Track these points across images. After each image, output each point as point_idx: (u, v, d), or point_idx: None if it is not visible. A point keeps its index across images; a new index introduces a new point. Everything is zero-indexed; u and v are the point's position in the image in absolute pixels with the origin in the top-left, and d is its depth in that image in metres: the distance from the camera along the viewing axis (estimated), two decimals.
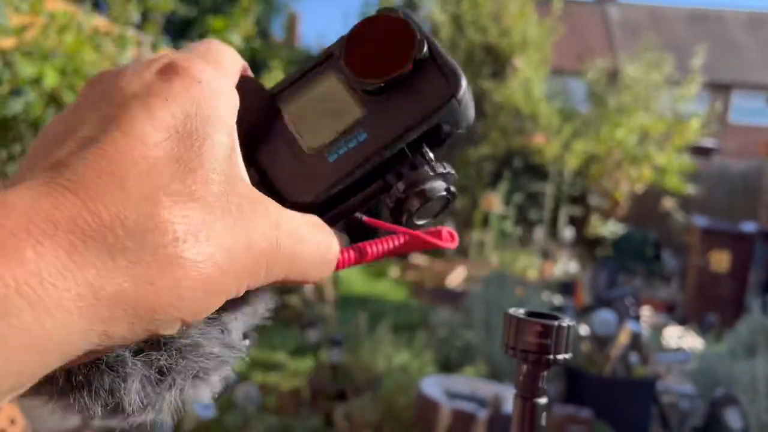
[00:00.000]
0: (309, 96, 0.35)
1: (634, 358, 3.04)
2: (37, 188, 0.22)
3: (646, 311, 4.47)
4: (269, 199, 0.29)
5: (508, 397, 2.42)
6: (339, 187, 0.34)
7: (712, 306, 4.94)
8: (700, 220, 5.67)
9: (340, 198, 0.34)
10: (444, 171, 0.35)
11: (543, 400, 0.45)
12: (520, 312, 0.43)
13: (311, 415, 2.86)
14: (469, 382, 2.71)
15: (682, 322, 4.69)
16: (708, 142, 8.15)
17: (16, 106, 2.21)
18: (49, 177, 0.23)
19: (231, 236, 0.25)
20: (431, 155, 0.35)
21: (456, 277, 5.73)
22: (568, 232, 6.34)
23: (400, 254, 0.38)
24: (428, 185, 0.35)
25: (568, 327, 0.43)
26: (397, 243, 0.37)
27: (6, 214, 0.21)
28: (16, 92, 2.24)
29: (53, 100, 2.29)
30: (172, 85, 0.26)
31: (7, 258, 0.20)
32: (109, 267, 0.22)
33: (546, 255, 5.97)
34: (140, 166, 0.23)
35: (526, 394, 0.45)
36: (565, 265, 5.75)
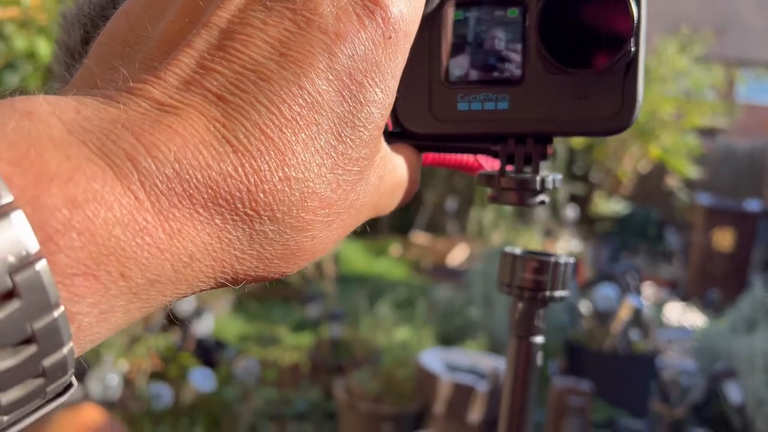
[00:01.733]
0: (482, 25, 0.30)
1: (635, 333, 3.03)
2: (189, 119, 0.19)
3: (648, 288, 4.46)
4: (387, 150, 0.27)
5: None
6: (451, 138, 0.32)
7: (714, 284, 4.93)
8: (703, 198, 5.64)
9: (443, 140, 0.32)
10: (548, 187, 0.33)
11: (539, 339, 0.43)
12: (517, 250, 0.41)
13: (311, 388, 2.86)
14: (468, 355, 2.71)
15: (684, 299, 4.69)
16: (713, 122, 8.10)
17: (11, 80, 2.18)
18: (200, 103, 0.19)
19: (354, 215, 0.24)
20: (547, 155, 0.33)
21: (457, 255, 5.72)
22: (570, 211, 6.32)
23: (461, 169, 0.37)
24: (530, 199, 0.34)
25: (566, 263, 0.40)
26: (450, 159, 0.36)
27: (164, 157, 0.18)
28: (10, 66, 2.21)
29: (51, 73, 2.26)
30: (365, 23, 0.21)
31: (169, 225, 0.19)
32: (245, 253, 0.20)
33: (548, 233, 5.96)
34: (308, 130, 0.20)
35: (522, 332, 0.43)
36: (568, 243, 5.74)
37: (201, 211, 0.19)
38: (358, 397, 2.55)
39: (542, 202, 0.35)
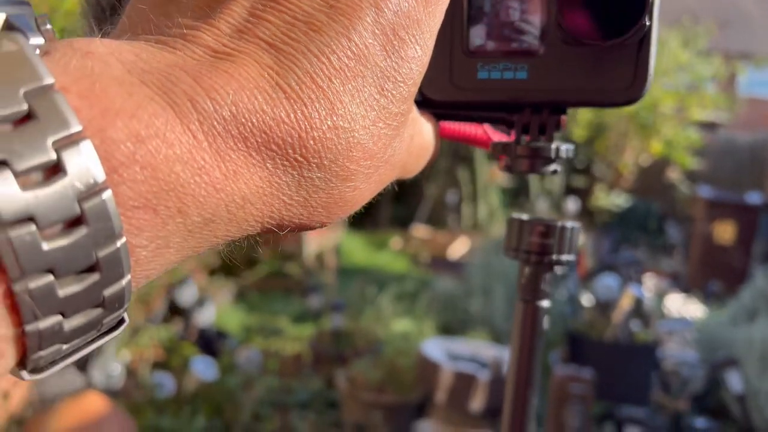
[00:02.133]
0: None
1: (636, 324, 3.04)
2: (243, 65, 0.20)
3: (649, 279, 4.46)
4: (416, 112, 0.28)
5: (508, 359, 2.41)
6: (470, 106, 0.33)
7: (715, 276, 4.93)
8: (704, 191, 5.63)
9: (462, 108, 0.33)
10: (562, 156, 0.34)
11: (545, 303, 0.43)
12: (524, 215, 0.42)
13: (313, 377, 2.87)
14: (470, 344, 2.72)
15: (685, 291, 4.69)
16: (714, 115, 8.08)
17: None
18: (253, 50, 0.20)
19: (389, 170, 0.25)
20: (562, 125, 0.34)
21: (458, 248, 5.72)
22: (571, 203, 6.32)
23: (468, 141, 0.38)
24: (543, 167, 0.35)
25: (572, 228, 0.41)
26: (463, 130, 0.37)
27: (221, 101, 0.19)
28: None
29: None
30: None
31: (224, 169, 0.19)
32: (293, 199, 0.21)
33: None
34: (355, 81, 0.21)
35: (528, 296, 0.43)
36: None
37: (254, 154, 0.19)
38: (359, 387, 2.56)
39: (555, 171, 0.36)
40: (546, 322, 0.43)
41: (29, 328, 0.16)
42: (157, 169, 0.17)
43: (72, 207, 0.16)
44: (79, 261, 0.16)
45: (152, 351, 2.74)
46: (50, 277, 0.16)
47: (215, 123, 0.18)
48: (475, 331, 3.19)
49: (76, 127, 0.16)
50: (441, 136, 0.35)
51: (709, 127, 7.78)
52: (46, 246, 0.15)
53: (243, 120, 0.19)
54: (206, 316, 3.27)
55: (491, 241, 4.31)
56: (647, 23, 0.30)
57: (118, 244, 0.17)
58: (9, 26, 0.17)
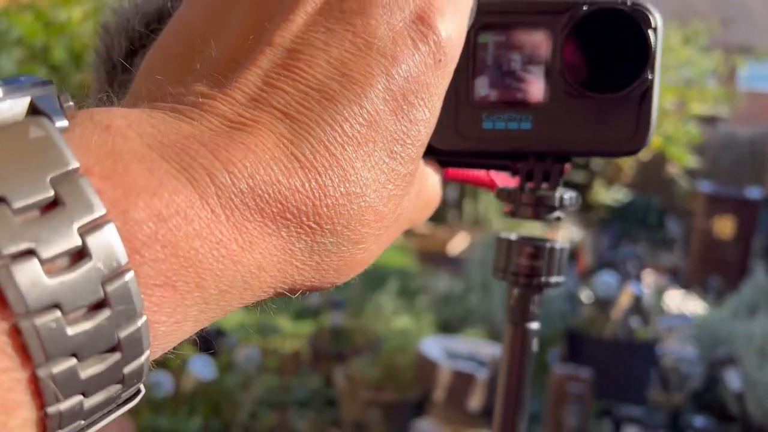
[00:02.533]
0: (507, 48, 0.32)
1: (635, 321, 3.04)
2: (260, 135, 0.20)
3: (648, 275, 4.46)
4: (423, 166, 0.29)
5: None
6: (475, 154, 0.33)
7: (715, 271, 4.93)
8: (704, 186, 5.63)
9: (467, 156, 0.34)
10: (566, 204, 0.35)
11: (534, 326, 0.43)
12: (512, 235, 0.41)
13: (312, 375, 2.87)
14: (468, 342, 2.72)
15: (685, 286, 4.69)
16: (714, 110, 8.06)
17: (5, 64, 2.17)
18: (269, 120, 0.20)
19: (398, 228, 0.25)
20: (565, 173, 0.35)
21: (458, 244, 5.73)
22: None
23: (474, 184, 0.40)
24: (546, 215, 0.35)
25: (561, 249, 0.40)
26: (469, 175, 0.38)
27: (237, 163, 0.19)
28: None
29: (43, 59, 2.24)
30: (419, 47, 0.23)
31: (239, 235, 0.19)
32: (305, 264, 0.21)
33: (549, 222, 5.95)
34: (366, 147, 0.22)
35: (517, 318, 0.42)
36: (568, 231, 5.74)
37: (270, 224, 0.20)
38: (358, 385, 2.56)
39: (558, 218, 0.37)
40: (535, 345, 0.43)
41: (51, 410, 0.16)
42: (178, 247, 0.18)
43: (96, 291, 0.16)
44: (101, 343, 0.17)
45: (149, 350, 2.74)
46: (73, 361, 0.16)
47: (233, 196, 0.19)
48: (474, 328, 3.19)
49: (100, 211, 0.16)
50: (446, 179, 0.36)
51: (709, 121, 7.77)
52: (70, 331, 0.16)
53: (260, 192, 0.19)
54: None
55: (490, 237, 4.31)
56: (650, 77, 0.30)
57: (139, 323, 0.17)
58: (34, 109, 0.18)
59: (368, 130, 0.21)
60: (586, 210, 6.84)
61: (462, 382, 2.34)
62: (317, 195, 0.20)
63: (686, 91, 7.00)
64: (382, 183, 0.22)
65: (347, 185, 0.21)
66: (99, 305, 0.16)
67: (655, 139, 6.86)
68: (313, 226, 0.21)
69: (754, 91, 8.97)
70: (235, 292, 0.20)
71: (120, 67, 0.28)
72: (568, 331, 3.10)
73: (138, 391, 0.20)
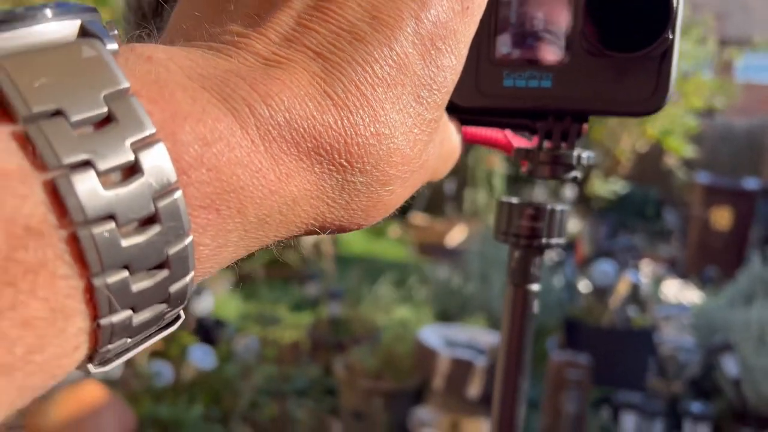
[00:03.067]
0: (530, 5, 0.33)
1: (633, 309, 3.05)
2: (294, 73, 0.20)
3: (646, 265, 4.47)
4: (446, 117, 0.29)
5: None
6: (494, 112, 0.34)
7: (712, 261, 4.94)
8: (702, 177, 5.63)
9: (487, 114, 0.34)
10: (583, 163, 0.35)
11: (535, 287, 0.43)
12: (513, 199, 0.42)
13: (311, 365, 2.88)
14: (467, 331, 2.72)
15: (682, 276, 4.70)
16: (711, 102, 8.06)
17: None
18: (302, 59, 0.21)
19: (422, 175, 0.26)
20: (583, 133, 0.35)
21: (456, 236, 5.73)
22: (568, 190, 6.32)
23: (489, 144, 0.39)
24: (564, 174, 0.36)
25: (562, 211, 0.41)
26: (484, 134, 0.38)
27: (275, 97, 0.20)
28: None
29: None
30: None
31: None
32: (336, 202, 0.22)
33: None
34: (395, 89, 0.22)
35: (518, 280, 0.43)
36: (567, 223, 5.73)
37: (304, 158, 0.20)
38: (357, 374, 2.57)
39: (575, 178, 0.37)
40: (536, 306, 0.43)
41: (104, 321, 0.17)
42: (221, 171, 0.18)
43: (148, 206, 0.17)
44: (152, 258, 0.17)
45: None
46: (126, 273, 0.17)
47: (270, 128, 0.19)
48: (472, 318, 3.20)
49: (151, 130, 0.17)
50: (464, 140, 0.36)
51: (706, 113, 7.76)
52: (124, 243, 0.16)
53: (296, 125, 0.20)
54: (204, 305, 3.27)
55: (489, 228, 4.31)
56: (670, 36, 0.30)
57: (186, 242, 0.18)
58: (85, 32, 0.18)
59: (397, 73, 0.22)
60: (584, 201, 6.85)
61: (461, 369, 2.35)
62: (349, 133, 0.21)
63: (683, 84, 7.00)
64: (409, 126, 0.23)
65: (377, 125, 0.21)
66: (150, 220, 0.17)
67: (652, 131, 6.89)
68: (344, 164, 0.21)
69: (752, 83, 8.97)
70: (272, 223, 0.21)
71: (150, 15, 0.29)
72: (566, 319, 3.11)
73: (178, 316, 0.20)
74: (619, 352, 2.85)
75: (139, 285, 0.17)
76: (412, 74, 0.22)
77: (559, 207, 0.40)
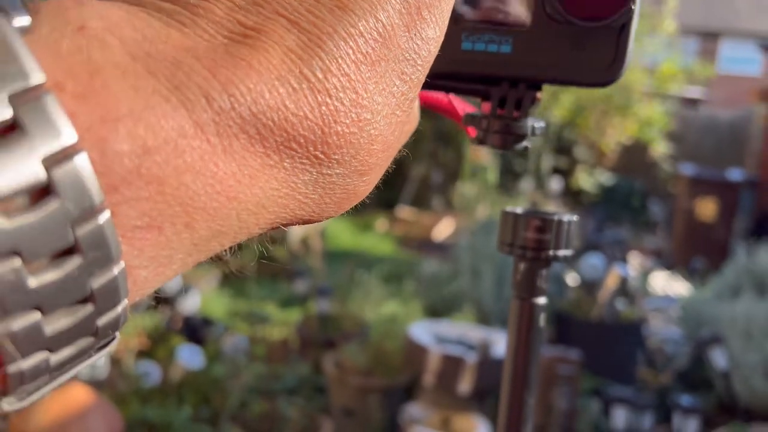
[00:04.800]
0: None
1: (621, 302, 3.06)
2: (264, 50, 0.17)
3: (633, 257, 4.50)
4: None
5: (496, 341, 2.42)
6: (450, 76, 0.32)
7: (698, 252, 4.98)
8: (686, 169, 5.68)
9: (442, 78, 0.32)
10: (536, 131, 0.34)
11: (542, 300, 0.42)
12: (518, 209, 0.40)
13: (300, 363, 2.86)
14: (457, 327, 2.72)
15: (669, 267, 4.74)
16: (695, 93, 8.12)
17: None
18: (273, 29, 0.17)
19: (392, 157, 0.23)
20: (537, 101, 0.34)
21: (443, 230, 5.73)
22: (555, 183, 6.34)
23: (433, 108, 0.38)
24: (515, 143, 0.34)
25: (569, 222, 0.39)
26: (436, 99, 0.36)
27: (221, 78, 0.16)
28: None
29: None
30: None
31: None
32: (308, 198, 0.19)
33: (533, 205, 5.98)
34: (379, 66, 0.19)
35: (524, 294, 0.41)
36: None
37: (272, 155, 0.17)
38: (347, 371, 2.55)
39: (525, 148, 0.36)
40: (543, 320, 0.42)
41: (11, 369, 0.14)
42: (165, 183, 0.15)
43: (64, 235, 0.14)
44: (70, 294, 0.14)
45: (137, 340, 2.71)
46: (37, 315, 0.14)
47: (232, 123, 0.16)
48: (462, 313, 3.20)
49: (70, 138, 0.13)
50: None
51: (690, 103, 7.81)
52: (33, 282, 0.14)
53: (263, 119, 0.17)
54: (191, 304, 3.24)
55: (478, 222, 4.31)
56: (633, 7, 0.30)
57: (116, 271, 0.15)
58: None
59: (382, 48, 0.19)
60: (571, 194, 6.88)
61: (451, 366, 2.34)
62: (327, 121, 0.18)
63: (653, 72, 7.01)
64: (392, 109, 0.20)
65: (359, 110, 0.19)
66: (68, 252, 0.14)
67: (630, 127, 6.90)
68: (320, 156, 0.18)
69: (735, 75, 9.04)
70: (228, 232, 0.18)
71: None
72: (555, 313, 3.12)
73: (113, 338, 0.18)
74: (608, 345, 2.86)
75: (55, 326, 0.14)
76: (397, 48, 0.19)
77: (566, 218, 0.39)
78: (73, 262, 0.14)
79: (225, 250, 0.19)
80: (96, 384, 2.30)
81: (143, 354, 2.68)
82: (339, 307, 3.24)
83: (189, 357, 2.64)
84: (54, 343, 0.15)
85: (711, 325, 2.94)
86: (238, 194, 0.17)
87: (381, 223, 6.30)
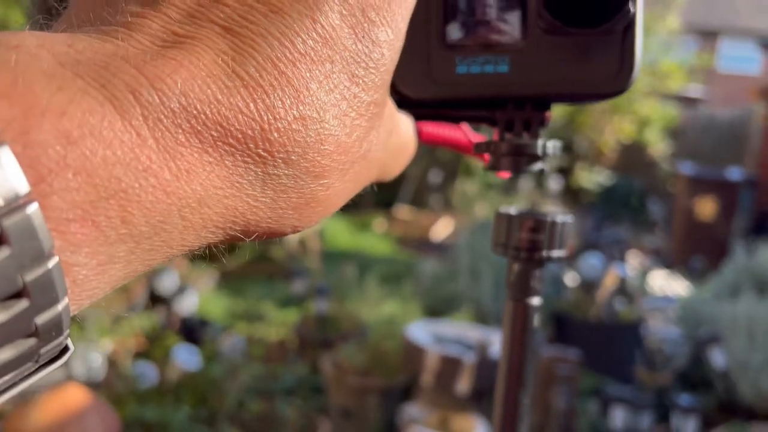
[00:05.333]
0: None
1: (620, 302, 3.05)
2: (194, 51, 0.17)
3: (632, 257, 4.49)
4: (393, 107, 0.26)
5: (494, 341, 2.42)
6: (449, 102, 0.31)
7: (697, 251, 4.98)
8: (685, 168, 5.67)
9: (441, 105, 0.31)
10: (549, 153, 0.32)
11: (536, 301, 0.41)
12: (512, 210, 0.40)
13: (298, 363, 2.85)
14: (455, 326, 2.71)
15: (668, 266, 4.73)
16: (694, 92, 8.12)
17: None
18: (206, 35, 0.18)
19: (366, 168, 0.23)
20: (546, 121, 0.32)
21: (441, 229, 5.72)
22: (554, 182, 6.33)
23: (444, 145, 0.36)
24: (528, 166, 0.33)
25: (563, 222, 0.39)
26: (445, 133, 0.35)
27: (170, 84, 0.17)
28: None
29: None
30: None
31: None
32: (258, 201, 0.19)
33: (532, 205, 5.98)
34: (322, 66, 0.19)
35: (518, 295, 0.41)
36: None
37: (210, 150, 0.17)
38: (345, 371, 2.55)
39: (542, 171, 0.35)
40: (537, 321, 0.41)
41: None
42: (94, 174, 0.15)
43: None
44: (1, 287, 0.14)
45: (134, 341, 2.70)
46: None
47: (162, 116, 0.16)
48: (461, 313, 3.19)
49: None
50: (421, 139, 0.34)
51: (689, 102, 7.81)
52: None
53: (195, 112, 0.17)
54: (188, 304, 3.24)
55: (476, 222, 4.30)
56: (632, 10, 0.28)
57: (50, 264, 0.15)
58: None
59: (324, 48, 0.19)
60: (569, 193, 6.88)
61: (449, 366, 2.34)
62: (265, 118, 0.18)
63: (653, 70, 7.01)
64: (344, 110, 0.20)
65: (301, 108, 0.18)
66: None
67: (627, 127, 6.90)
68: (263, 154, 0.18)
69: (734, 74, 9.04)
70: (172, 230, 0.17)
71: (54, 11, 0.25)
72: (554, 313, 3.11)
73: (66, 348, 0.17)
74: (607, 345, 2.86)
75: None
76: (343, 49, 0.19)
77: (560, 218, 0.38)
78: (2, 253, 0.14)
79: (176, 254, 0.19)
80: (92, 385, 2.30)
81: (140, 355, 2.67)
82: (337, 308, 3.23)
83: (186, 357, 2.64)
84: None
85: (710, 325, 2.94)
86: (176, 189, 0.17)
87: (379, 222, 6.30)
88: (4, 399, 0.16)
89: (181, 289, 3.24)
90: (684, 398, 2.49)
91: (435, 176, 6.42)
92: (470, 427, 2.26)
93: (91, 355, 2.44)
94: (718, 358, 2.66)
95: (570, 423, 2.19)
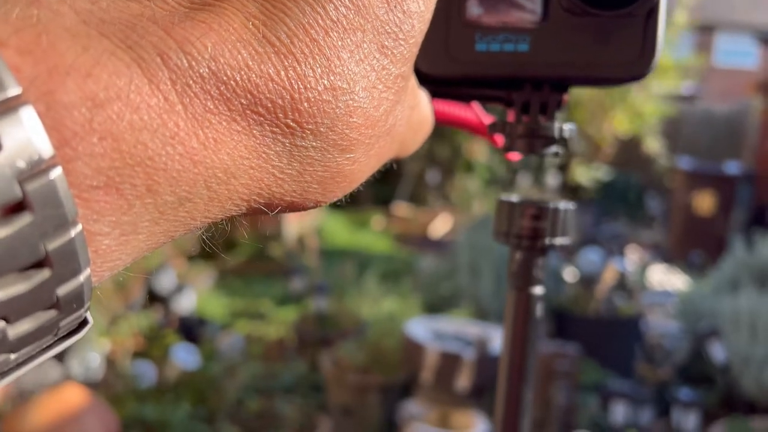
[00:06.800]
0: None
1: (619, 297, 3.05)
2: (224, 15, 0.17)
3: (631, 252, 4.49)
4: (415, 82, 0.26)
5: (494, 337, 2.41)
6: (467, 80, 0.30)
7: (696, 246, 4.98)
8: (683, 162, 5.67)
9: (459, 83, 0.31)
10: (565, 136, 0.32)
11: (539, 290, 0.40)
12: (514, 197, 0.39)
13: (297, 361, 2.85)
14: (455, 323, 2.70)
15: (667, 261, 4.73)
16: (689, 90, 8.11)
17: None
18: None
19: (389, 144, 0.22)
20: (563, 104, 0.32)
21: (440, 226, 5.72)
22: (552, 178, 6.33)
23: (456, 125, 0.36)
24: (544, 148, 0.32)
25: (566, 209, 0.38)
26: (456, 112, 0.35)
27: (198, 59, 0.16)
28: None
29: None
30: None
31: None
32: (284, 173, 0.18)
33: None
34: (354, 35, 0.18)
35: (520, 283, 0.40)
36: None
37: (239, 119, 0.17)
38: (345, 369, 2.54)
39: (556, 153, 0.34)
40: (540, 310, 0.40)
41: None
42: (121, 140, 0.14)
43: (11, 190, 0.13)
44: (22, 256, 0.13)
45: (132, 340, 2.69)
46: None
47: (191, 82, 0.16)
48: (460, 310, 3.19)
49: (13, 90, 0.13)
50: (435, 119, 0.33)
51: (684, 100, 7.81)
52: None
53: (224, 78, 0.16)
54: (186, 303, 3.23)
55: (476, 218, 4.30)
56: None
57: (73, 233, 0.14)
58: None
59: (356, 16, 0.18)
60: (568, 189, 6.87)
61: (449, 362, 2.33)
62: (295, 86, 0.17)
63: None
64: (372, 82, 0.19)
65: (332, 78, 0.18)
66: (17, 208, 0.13)
67: (621, 123, 6.88)
68: (292, 125, 0.18)
69: (731, 68, 9.04)
70: (197, 201, 0.17)
71: None
72: (553, 309, 3.11)
73: (84, 321, 0.17)
74: (607, 340, 2.85)
75: (8, 291, 0.13)
76: (374, 19, 0.19)
77: (562, 205, 0.37)
78: (23, 220, 0.13)
79: (199, 226, 0.18)
80: (91, 385, 2.29)
81: (138, 354, 2.66)
82: (336, 305, 3.23)
83: (185, 356, 2.63)
84: (9, 311, 0.14)
85: (710, 319, 2.93)
86: (203, 158, 0.16)
87: (377, 220, 6.29)
88: (23, 372, 0.16)
89: (180, 288, 3.24)
90: (684, 393, 2.49)
91: (433, 173, 6.42)
92: (470, 423, 2.25)
93: (89, 355, 2.43)
94: (718, 352, 2.65)
95: (570, 418, 2.19)
